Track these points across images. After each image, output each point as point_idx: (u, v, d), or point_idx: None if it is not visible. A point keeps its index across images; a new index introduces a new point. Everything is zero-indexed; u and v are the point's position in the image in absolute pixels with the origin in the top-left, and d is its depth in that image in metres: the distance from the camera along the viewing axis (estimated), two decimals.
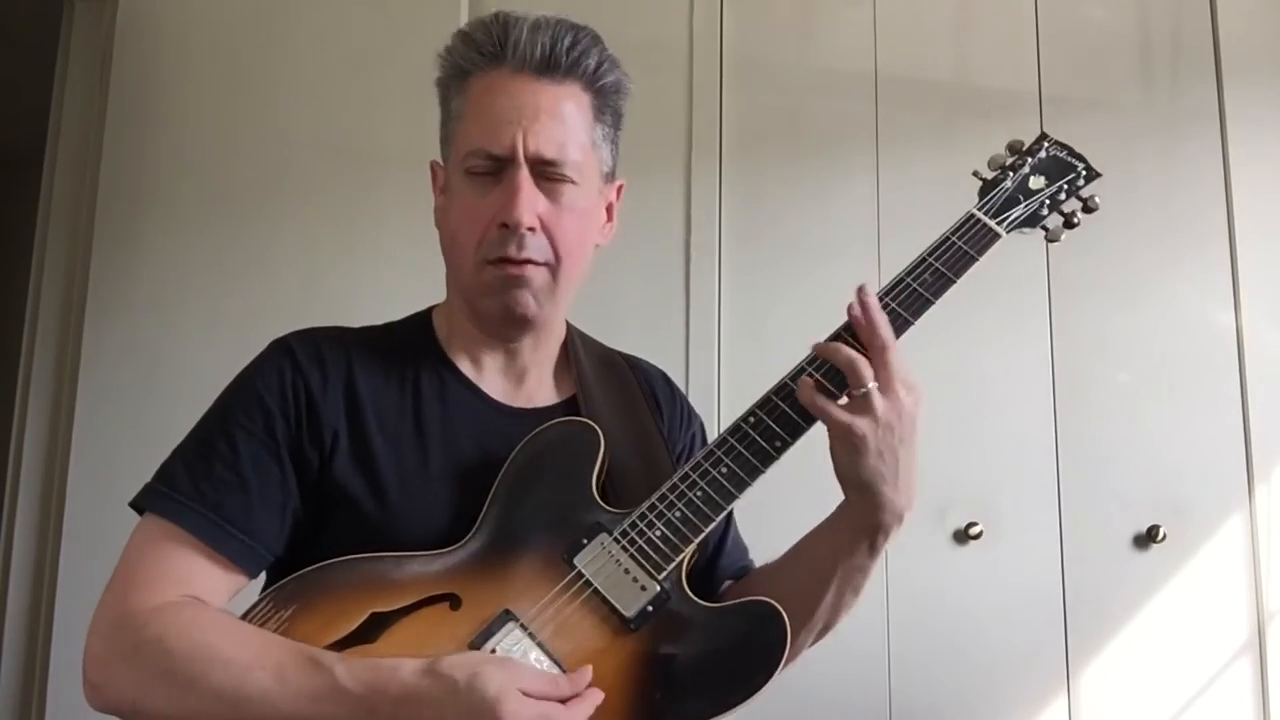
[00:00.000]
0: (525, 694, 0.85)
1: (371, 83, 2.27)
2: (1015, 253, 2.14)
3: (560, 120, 1.03)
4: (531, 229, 1.02)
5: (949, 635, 2.08)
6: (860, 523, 0.99)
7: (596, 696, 0.89)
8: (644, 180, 2.22)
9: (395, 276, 2.15)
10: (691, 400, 1.29)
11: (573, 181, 1.04)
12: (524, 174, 1.01)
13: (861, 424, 0.94)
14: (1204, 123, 2.24)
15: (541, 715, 0.84)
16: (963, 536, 2.10)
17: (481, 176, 1.03)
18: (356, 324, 1.16)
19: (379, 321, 1.17)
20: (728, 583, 1.15)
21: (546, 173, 1.03)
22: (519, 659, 0.90)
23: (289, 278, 2.24)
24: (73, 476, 2.19)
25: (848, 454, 0.95)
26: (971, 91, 2.28)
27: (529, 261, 1.02)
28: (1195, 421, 2.14)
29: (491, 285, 1.04)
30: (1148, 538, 2.09)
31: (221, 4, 2.39)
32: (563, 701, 0.88)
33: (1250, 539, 2.09)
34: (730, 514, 1.17)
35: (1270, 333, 2.16)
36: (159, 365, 2.20)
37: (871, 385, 0.94)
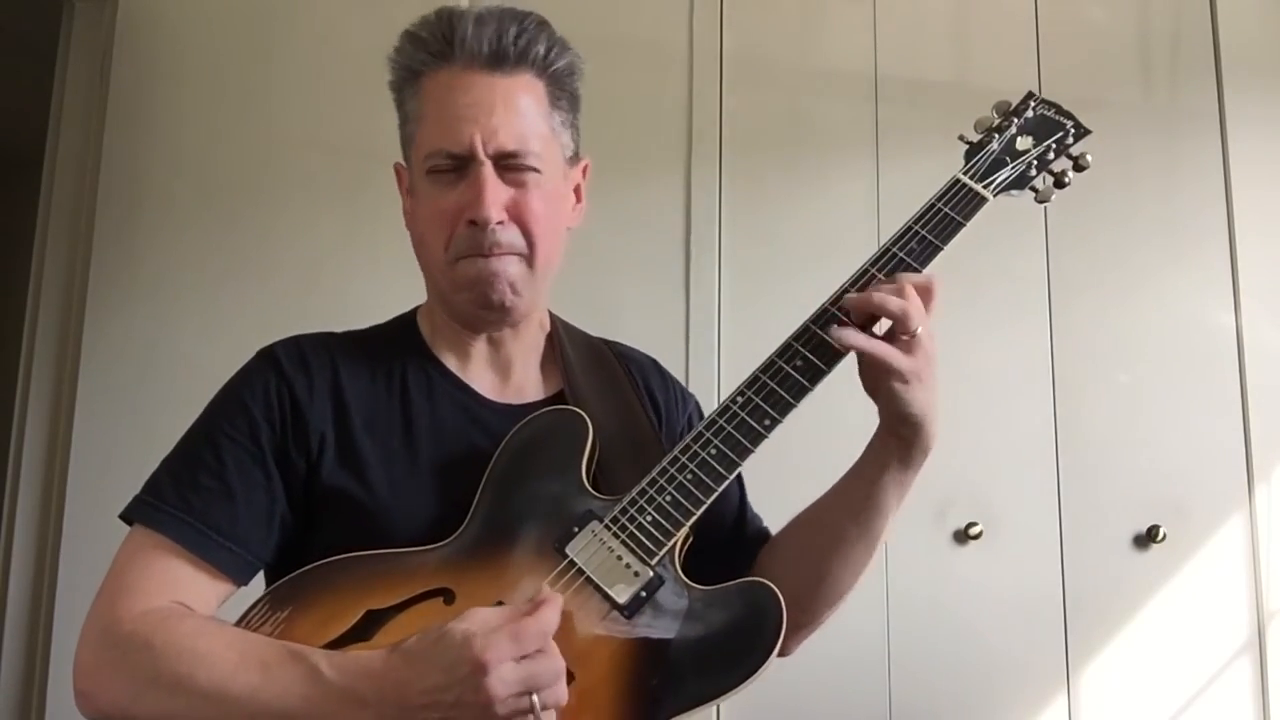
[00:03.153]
0: (491, 630, 0.85)
1: (370, 82, 2.25)
2: (1015, 252, 2.15)
3: (517, 112, 1.03)
4: (500, 223, 1.02)
5: (949, 635, 2.08)
6: (911, 452, 1.01)
7: (557, 600, 0.90)
8: (644, 180, 2.23)
9: (393, 274, 2.13)
10: None
11: (536, 170, 1.04)
12: (487, 169, 1.02)
13: (918, 362, 0.96)
14: (1204, 123, 2.24)
15: (511, 635, 0.84)
16: (963, 536, 2.10)
17: (444, 174, 1.03)
18: (354, 322, 1.16)
19: (376, 318, 1.17)
20: (758, 548, 1.16)
21: (510, 164, 1.03)
22: (474, 607, 0.89)
23: (288, 276, 2.24)
24: (73, 476, 2.19)
25: (905, 391, 0.96)
26: (971, 91, 2.28)
27: (502, 252, 1.03)
28: (1195, 421, 2.14)
29: (466, 280, 1.04)
30: (1148, 538, 2.09)
31: (221, 4, 2.39)
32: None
33: (1250, 539, 2.09)
34: (744, 486, 1.19)
35: (1270, 333, 2.16)
36: (159, 364, 2.20)
37: (920, 326, 0.96)
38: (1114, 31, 2.31)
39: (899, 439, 1.00)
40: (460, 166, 1.03)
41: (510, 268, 1.04)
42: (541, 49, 1.05)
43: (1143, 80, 2.31)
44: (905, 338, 0.96)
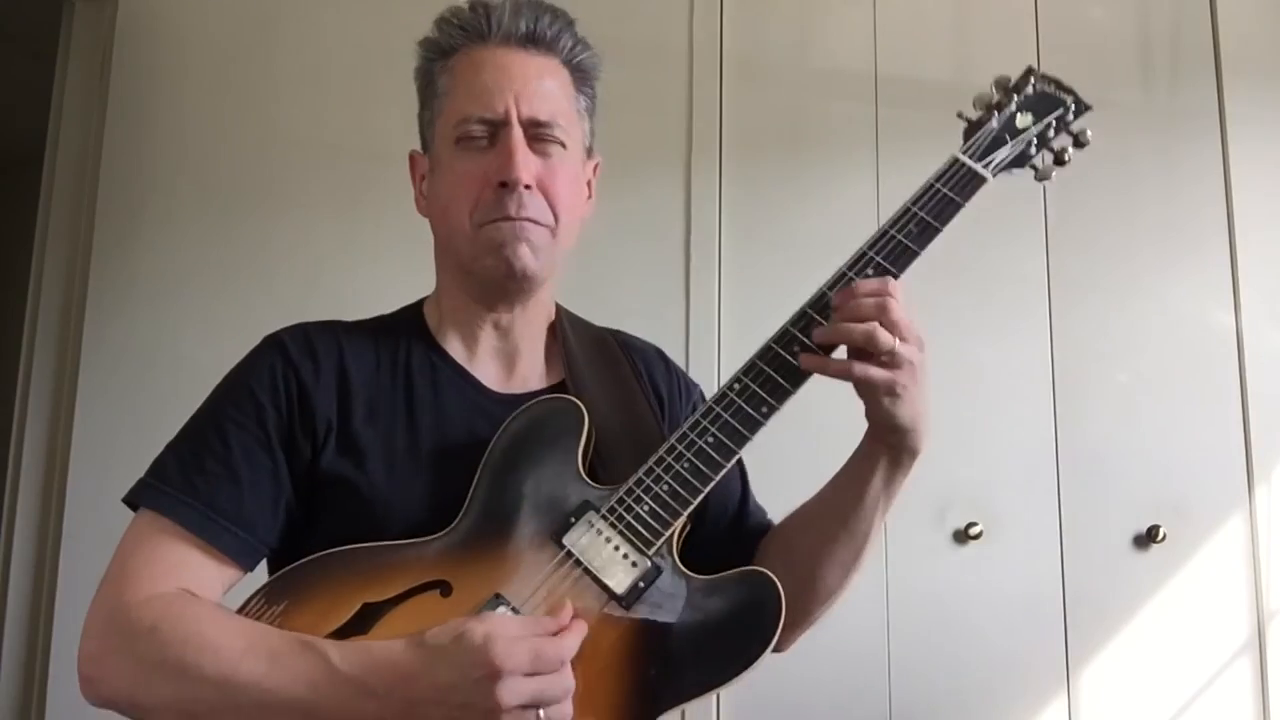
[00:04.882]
0: (513, 637, 0.85)
1: (370, 81, 2.27)
2: (1015, 252, 2.15)
3: (547, 85, 1.07)
4: (529, 186, 1.04)
5: (949, 635, 2.08)
6: (899, 456, 1.01)
7: (581, 627, 0.90)
8: (644, 180, 2.23)
9: (394, 274, 2.13)
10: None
11: (562, 144, 1.07)
12: (518, 134, 1.04)
13: (900, 375, 0.95)
14: (1204, 123, 2.24)
15: (532, 650, 0.84)
16: (963, 536, 2.10)
17: (473, 142, 1.05)
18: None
19: None
20: (759, 540, 1.16)
21: (539, 134, 1.06)
22: (497, 613, 0.90)
23: (288, 276, 2.24)
24: (73, 476, 2.19)
25: (891, 404, 0.96)
26: (971, 91, 2.26)
27: (527, 217, 1.04)
28: (1195, 421, 2.14)
29: (491, 244, 1.05)
30: (1148, 538, 2.09)
31: (221, 4, 2.39)
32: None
33: (1250, 539, 2.09)
34: (745, 475, 1.18)
35: (1270, 333, 2.16)
36: (159, 364, 2.20)
37: (895, 344, 0.95)
38: (1114, 31, 2.31)
39: (887, 445, 1.01)
40: (492, 133, 1.05)
41: (534, 234, 1.05)
42: (569, 41, 1.10)
43: (1143, 80, 2.31)
44: (884, 357, 0.95)
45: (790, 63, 2.34)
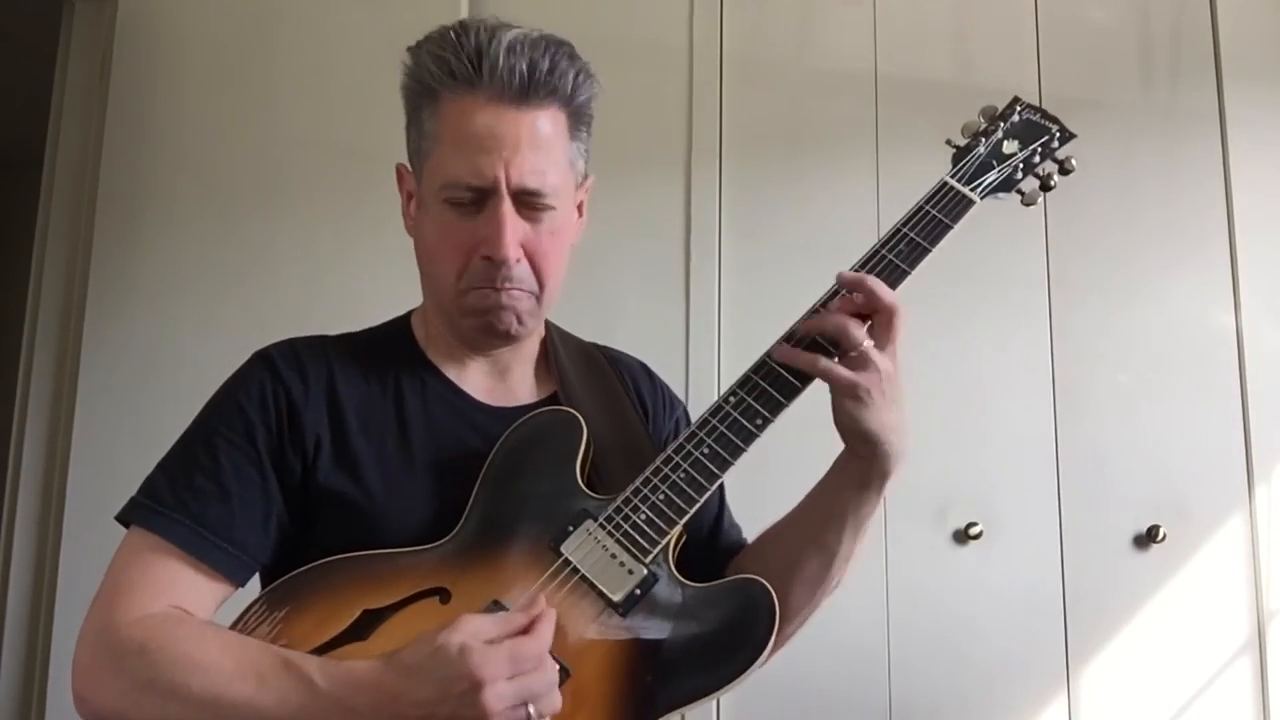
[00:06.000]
0: (487, 642, 0.86)
1: (371, 82, 2.26)
2: (1015, 253, 2.16)
3: (540, 148, 1.02)
4: (516, 260, 1.02)
5: (949, 635, 2.08)
6: (868, 473, 1.00)
7: (551, 615, 0.90)
8: (644, 180, 2.23)
9: (395, 276, 2.13)
10: (691, 400, 1.29)
11: (553, 207, 1.04)
12: (507, 206, 1.01)
13: (866, 378, 0.96)
14: (1204, 123, 2.24)
15: (510, 654, 0.85)
16: (963, 536, 2.10)
17: (461, 206, 1.02)
18: (356, 323, 1.16)
19: (378, 320, 1.18)
20: (732, 557, 1.16)
21: (529, 202, 1.02)
22: (468, 614, 0.90)
23: (289, 277, 2.24)
24: (73, 476, 2.19)
25: (855, 408, 0.96)
26: (971, 91, 2.27)
27: (513, 288, 1.04)
28: (1195, 421, 2.14)
29: (475, 309, 1.05)
30: (1148, 538, 2.09)
31: (221, 4, 2.39)
32: (524, 633, 0.89)
33: (1250, 539, 2.09)
34: (723, 492, 1.19)
35: (1270, 333, 2.16)
36: (159, 365, 2.20)
37: (867, 344, 0.96)
38: (1114, 31, 2.31)
39: (857, 458, 1.00)
40: (479, 199, 1.02)
41: (520, 303, 1.05)
42: (569, 81, 1.03)
43: (1143, 80, 2.31)
44: (852, 354, 0.96)
45: (790, 63, 2.34)
